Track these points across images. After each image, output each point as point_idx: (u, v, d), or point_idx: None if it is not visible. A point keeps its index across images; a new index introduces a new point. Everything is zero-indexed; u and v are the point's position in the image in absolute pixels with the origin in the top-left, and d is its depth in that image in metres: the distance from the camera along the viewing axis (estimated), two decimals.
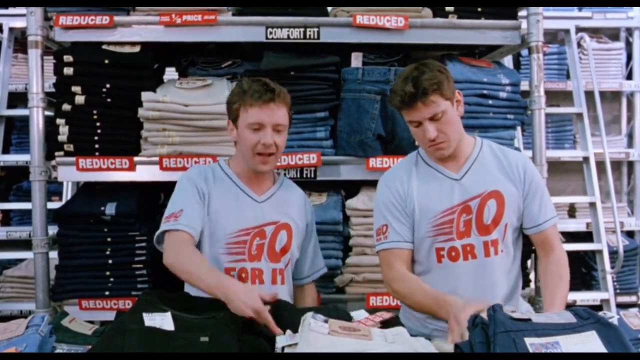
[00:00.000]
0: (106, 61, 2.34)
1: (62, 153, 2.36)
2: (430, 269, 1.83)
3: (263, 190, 1.91)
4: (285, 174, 2.26)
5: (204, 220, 1.81)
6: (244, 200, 1.87)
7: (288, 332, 1.38)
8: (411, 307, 1.82)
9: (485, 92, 2.43)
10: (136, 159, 2.35)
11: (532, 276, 2.46)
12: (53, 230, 2.40)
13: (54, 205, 2.96)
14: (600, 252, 3.73)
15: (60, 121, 2.35)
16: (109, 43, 2.38)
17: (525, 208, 1.84)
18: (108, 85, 2.33)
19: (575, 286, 3.82)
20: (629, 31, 4.60)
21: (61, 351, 1.47)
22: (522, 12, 2.53)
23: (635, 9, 4.45)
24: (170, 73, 2.79)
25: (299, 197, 2.00)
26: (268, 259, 1.85)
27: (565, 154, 4.20)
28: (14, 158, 4.02)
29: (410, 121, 1.77)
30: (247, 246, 1.83)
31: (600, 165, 3.93)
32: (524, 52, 3.59)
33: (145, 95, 2.31)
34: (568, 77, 4.28)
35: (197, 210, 1.79)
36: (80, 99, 2.33)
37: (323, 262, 2.08)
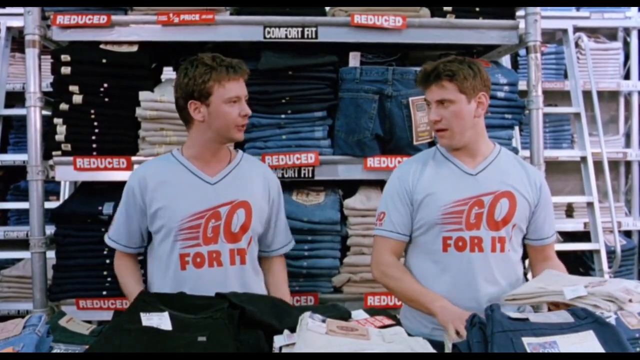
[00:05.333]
0: (104, 60, 2.33)
1: (59, 152, 2.36)
2: (436, 257, 1.85)
3: (217, 171, 1.89)
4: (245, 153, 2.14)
5: (139, 228, 1.90)
6: (196, 185, 1.86)
7: (286, 332, 1.38)
8: (394, 291, 1.91)
9: None
10: (134, 158, 2.35)
11: (529, 276, 2.45)
12: (50, 229, 2.40)
13: (51, 204, 2.95)
14: (597, 251, 3.72)
15: (57, 120, 2.34)
16: (106, 42, 2.37)
17: (534, 220, 1.89)
18: (106, 85, 2.33)
19: None
20: (627, 31, 4.62)
21: (58, 351, 1.46)
22: (520, 12, 2.53)
23: (633, 9, 4.46)
24: (168, 72, 2.78)
25: (261, 172, 1.97)
26: (225, 240, 1.85)
27: (562, 154, 4.20)
28: (12, 157, 4.01)
29: (426, 101, 1.86)
30: (201, 230, 1.83)
31: (598, 165, 3.94)
32: (522, 51, 3.61)
33: (143, 95, 2.31)
34: (566, 76, 4.28)
35: (127, 225, 1.92)
36: (77, 99, 2.33)
37: (290, 237, 2.07)
